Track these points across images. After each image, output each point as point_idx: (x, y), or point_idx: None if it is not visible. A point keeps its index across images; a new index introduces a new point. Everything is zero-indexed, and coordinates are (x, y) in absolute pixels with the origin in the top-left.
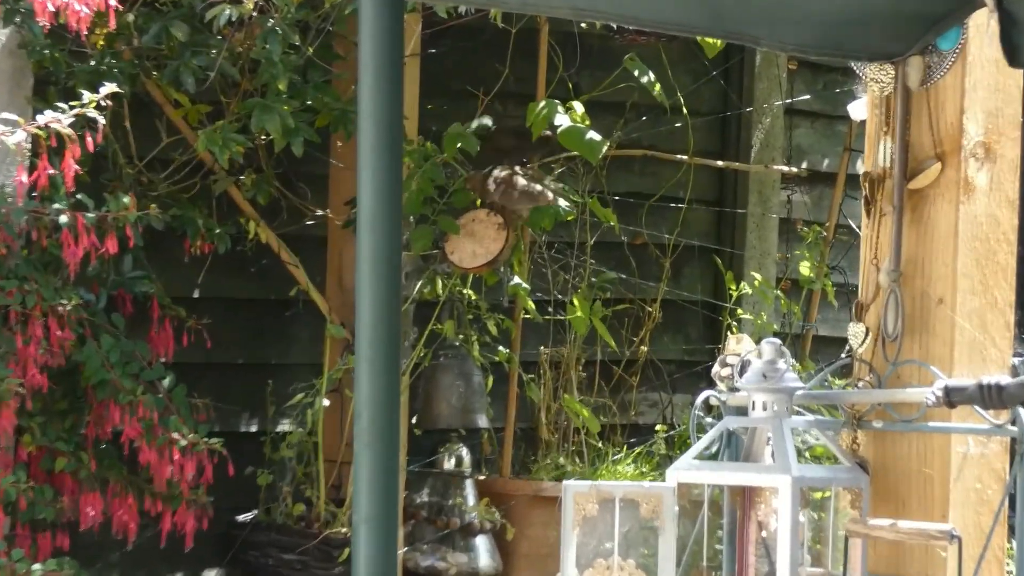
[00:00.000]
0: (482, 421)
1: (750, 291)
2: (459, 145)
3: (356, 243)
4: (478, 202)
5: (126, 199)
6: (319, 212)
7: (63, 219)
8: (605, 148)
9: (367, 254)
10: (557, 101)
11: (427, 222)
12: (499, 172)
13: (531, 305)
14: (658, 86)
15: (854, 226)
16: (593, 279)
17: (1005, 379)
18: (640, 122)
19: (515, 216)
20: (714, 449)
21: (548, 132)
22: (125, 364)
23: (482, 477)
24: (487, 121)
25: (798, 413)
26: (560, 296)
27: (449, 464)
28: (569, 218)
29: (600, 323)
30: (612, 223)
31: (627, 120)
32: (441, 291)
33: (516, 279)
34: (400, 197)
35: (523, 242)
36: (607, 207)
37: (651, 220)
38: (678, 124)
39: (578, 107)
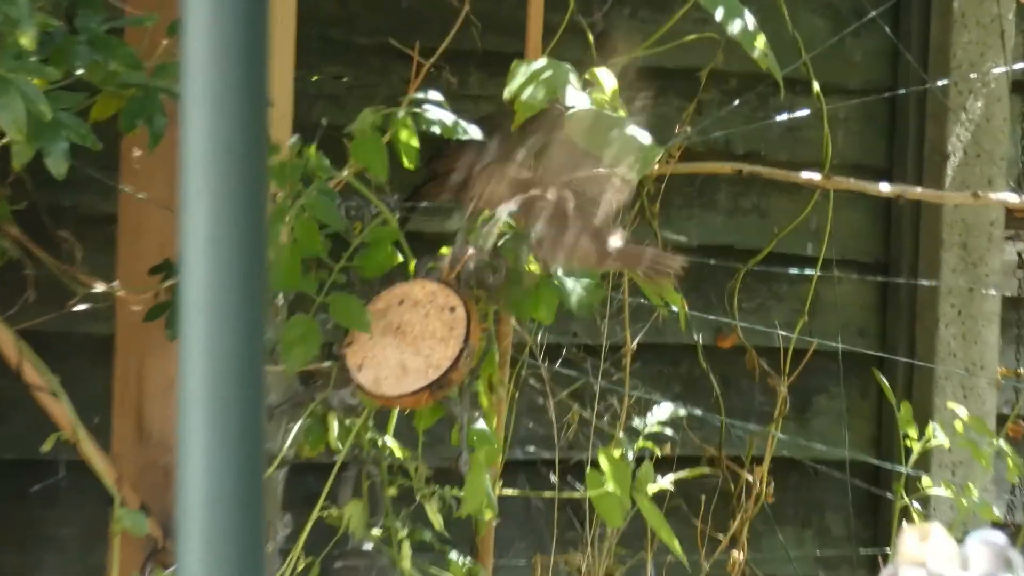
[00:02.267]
0: None
1: (946, 442)
2: (377, 153)
3: (178, 351)
4: (410, 267)
5: None
6: (99, 288)
7: None
8: (658, 157)
9: (197, 371)
10: (568, 64)
11: (311, 306)
12: (441, 176)
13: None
14: (762, 40)
15: None
16: (638, 419)
17: None
18: (729, 109)
19: (484, 290)
20: None
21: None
22: None
23: None
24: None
25: None
26: (573, 453)
27: None
28: (586, 304)
29: (651, 508)
30: (675, 307)
31: (703, 105)
32: (339, 443)
33: (481, 423)
34: (263, 257)
35: (497, 344)
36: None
37: (752, 301)
38: (802, 112)
39: (606, 78)
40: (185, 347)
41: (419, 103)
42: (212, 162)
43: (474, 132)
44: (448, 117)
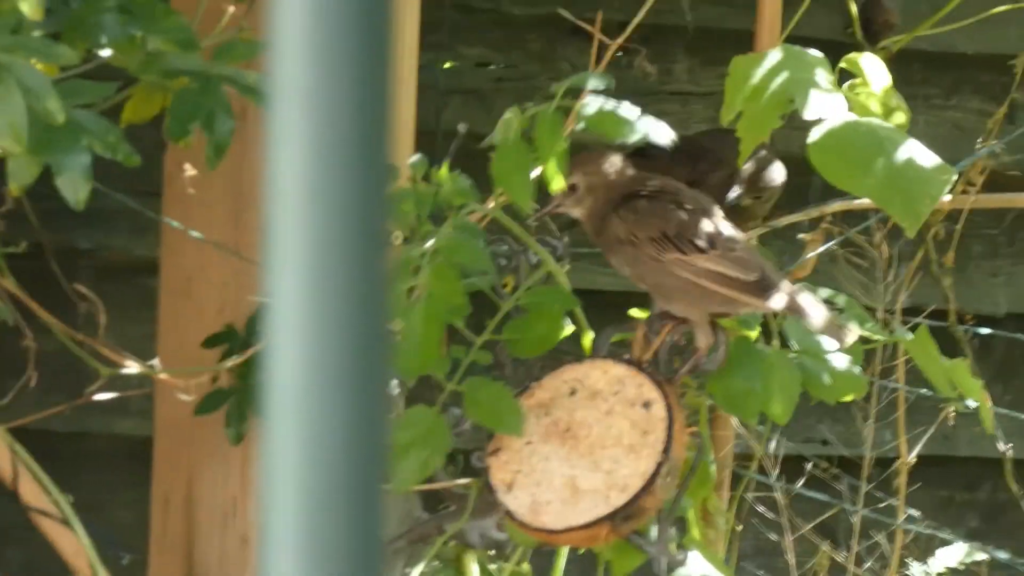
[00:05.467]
0: None
1: None
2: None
3: (245, 460)
4: (586, 341)
5: None
6: (130, 368)
7: None
8: (949, 187)
9: (286, 494)
10: (813, 52)
11: (436, 397)
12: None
13: None
14: None
15: None
16: (916, 565)
17: None
18: None
19: (694, 377)
20: None
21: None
22: None
23: None
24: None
25: None
26: None
27: None
28: (846, 399)
29: None
30: (974, 402)
31: (1017, 108)
32: None
33: (695, 563)
34: (385, 327)
35: (713, 455)
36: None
37: None
38: None
39: (875, 69)
40: (269, 459)
41: (575, 92)
42: (311, 187)
43: (662, 135)
44: (627, 112)
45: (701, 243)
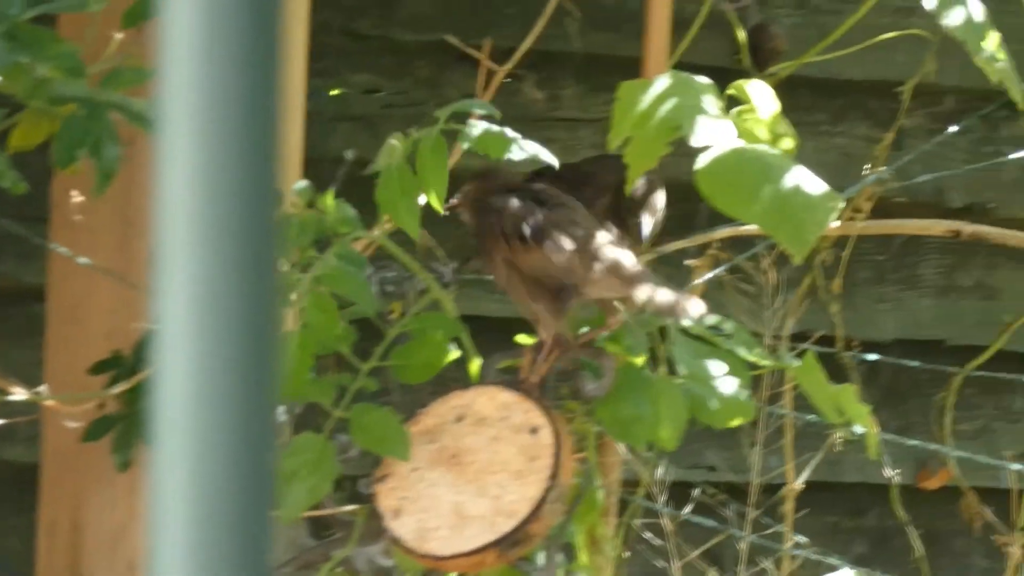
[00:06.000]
0: None
1: None
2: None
3: (132, 487)
4: (472, 368)
5: None
6: (16, 394)
7: None
8: (836, 213)
9: (175, 520)
10: (701, 79)
11: (324, 423)
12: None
13: None
14: (994, 39)
15: None
16: None
17: None
18: (942, 141)
19: (581, 403)
20: None
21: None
22: None
23: None
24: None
25: None
26: None
27: None
28: (734, 424)
29: None
30: (861, 427)
31: (904, 135)
32: None
33: None
34: (274, 353)
35: (600, 481)
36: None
37: (972, 422)
38: None
39: (762, 96)
40: (157, 486)
41: (461, 116)
42: (199, 213)
43: (545, 156)
44: (511, 134)
45: (526, 233)
